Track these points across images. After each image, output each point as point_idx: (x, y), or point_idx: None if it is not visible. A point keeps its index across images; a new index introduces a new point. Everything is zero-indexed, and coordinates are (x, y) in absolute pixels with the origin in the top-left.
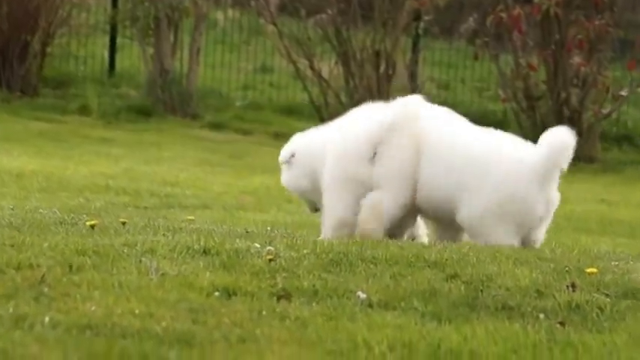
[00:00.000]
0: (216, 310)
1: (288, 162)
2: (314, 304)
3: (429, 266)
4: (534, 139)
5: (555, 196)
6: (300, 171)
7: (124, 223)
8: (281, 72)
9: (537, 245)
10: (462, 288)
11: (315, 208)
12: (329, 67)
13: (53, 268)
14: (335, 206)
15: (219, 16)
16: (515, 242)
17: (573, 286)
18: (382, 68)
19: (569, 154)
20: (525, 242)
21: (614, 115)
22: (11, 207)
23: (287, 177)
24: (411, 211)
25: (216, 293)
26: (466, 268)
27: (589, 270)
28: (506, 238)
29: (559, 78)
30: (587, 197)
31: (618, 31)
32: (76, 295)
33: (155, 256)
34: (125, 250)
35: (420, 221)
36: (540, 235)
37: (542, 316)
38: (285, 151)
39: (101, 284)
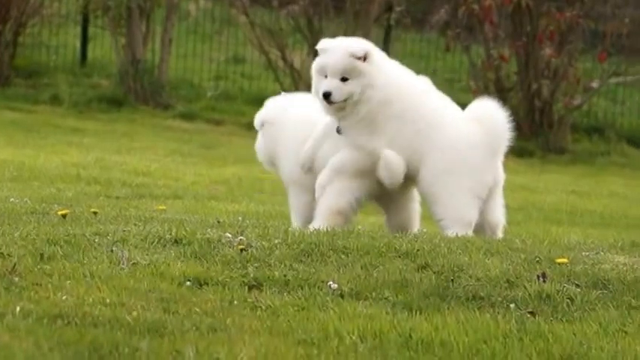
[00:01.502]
0: (188, 299)
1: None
2: (285, 293)
3: (400, 256)
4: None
5: (501, 172)
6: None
7: (95, 213)
8: (253, 62)
9: (499, 230)
10: (433, 278)
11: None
12: (301, 57)
13: (24, 257)
14: None
15: (191, 6)
16: (475, 211)
17: (544, 276)
18: None
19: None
20: (486, 224)
21: (584, 107)
22: None
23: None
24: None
25: (188, 283)
26: (437, 258)
27: (559, 260)
28: (463, 202)
29: (530, 69)
30: (557, 188)
31: (589, 22)
32: (48, 285)
33: (126, 245)
34: (96, 240)
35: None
36: (501, 217)
37: (512, 306)
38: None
39: (72, 274)
